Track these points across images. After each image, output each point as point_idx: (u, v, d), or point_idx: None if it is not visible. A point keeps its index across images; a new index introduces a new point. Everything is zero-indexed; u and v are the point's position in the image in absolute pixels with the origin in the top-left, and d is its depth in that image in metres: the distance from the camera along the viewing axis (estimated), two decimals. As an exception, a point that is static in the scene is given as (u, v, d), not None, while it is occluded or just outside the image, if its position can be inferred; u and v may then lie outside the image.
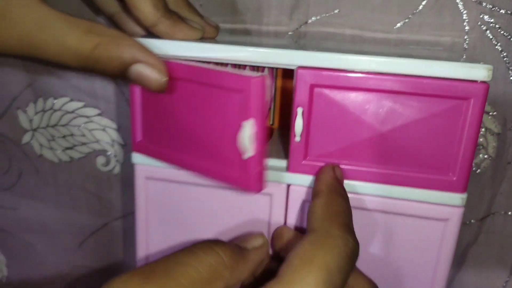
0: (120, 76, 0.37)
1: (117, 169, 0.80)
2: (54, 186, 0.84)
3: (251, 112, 0.38)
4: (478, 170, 0.66)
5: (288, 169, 0.46)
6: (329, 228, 0.30)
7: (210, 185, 0.49)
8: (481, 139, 0.64)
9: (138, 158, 0.53)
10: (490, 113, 0.63)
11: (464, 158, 0.42)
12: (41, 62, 0.72)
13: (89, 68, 0.35)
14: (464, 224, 0.70)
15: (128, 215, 0.82)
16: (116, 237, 0.85)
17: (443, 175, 0.43)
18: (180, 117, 0.45)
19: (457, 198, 0.43)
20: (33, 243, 0.90)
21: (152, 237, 0.55)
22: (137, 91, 0.49)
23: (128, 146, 0.77)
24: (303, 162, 0.45)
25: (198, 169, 0.45)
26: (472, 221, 0.70)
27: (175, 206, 0.52)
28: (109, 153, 0.79)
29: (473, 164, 0.65)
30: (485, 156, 0.65)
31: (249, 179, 0.40)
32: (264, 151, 0.40)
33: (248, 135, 0.39)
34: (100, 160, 0.80)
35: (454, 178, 0.43)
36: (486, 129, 0.64)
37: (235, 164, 0.41)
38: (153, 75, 0.37)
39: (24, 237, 0.90)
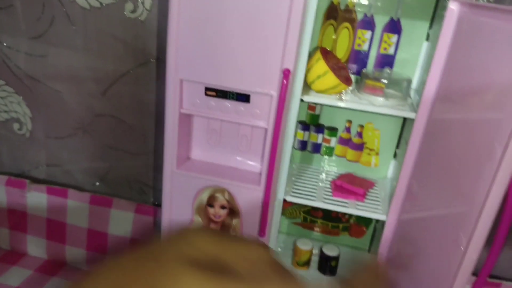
0: None
1: (144, 16, 0.87)
2: (83, 33, 0.90)
3: None
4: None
5: None
6: None
7: None
8: None
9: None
10: None
11: None
12: None
13: None
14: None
15: (152, 61, 0.89)
16: (140, 85, 0.92)
17: None
18: None
19: None
20: (59, 90, 0.97)
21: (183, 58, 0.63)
22: None
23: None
24: None
25: None
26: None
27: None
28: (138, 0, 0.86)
29: None
30: None
31: None
32: None
33: None
34: (129, 6, 0.87)
35: None
36: None
37: None
38: None
39: (51, 84, 0.97)
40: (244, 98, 0.64)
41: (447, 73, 0.56)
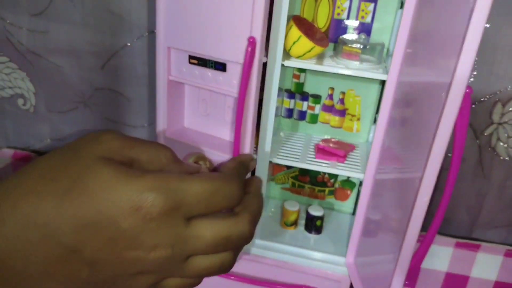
0: None
1: (139, -9, 0.91)
2: (81, 9, 0.95)
3: None
4: None
5: None
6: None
7: None
8: None
9: None
10: None
11: None
12: None
13: None
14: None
15: (146, 34, 0.94)
16: (136, 58, 0.97)
17: None
18: None
19: None
20: (60, 65, 1.02)
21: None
22: None
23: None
24: None
25: None
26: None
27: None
28: (132, -25, 0.90)
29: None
30: None
31: None
32: None
33: None
34: (124, -18, 0.91)
35: None
36: None
37: None
38: None
39: (53, 59, 1.01)
40: (221, 67, 0.67)
41: (411, 37, 0.61)
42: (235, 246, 0.36)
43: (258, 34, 0.60)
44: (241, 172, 0.43)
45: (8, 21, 1.00)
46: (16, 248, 0.29)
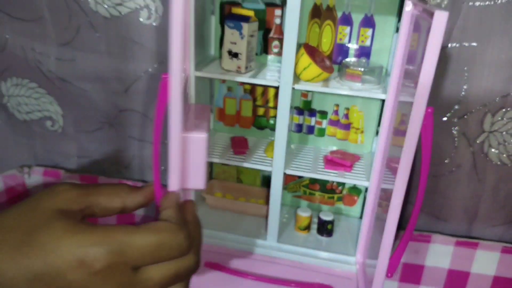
0: None
1: (157, 21, 1.00)
2: (106, 39, 1.04)
3: None
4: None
5: None
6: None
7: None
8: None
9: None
10: None
11: None
12: None
13: None
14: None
15: (164, 61, 1.02)
16: (156, 82, 1.06)
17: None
18: None
19: None
20: (86, 89, 1.11)
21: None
22: None
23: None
24: None
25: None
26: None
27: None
28: (151, 8, 0.99)
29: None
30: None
31: None
32: None
33: None
34: (143, 14, 1.00)
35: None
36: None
37: None
38: None
39: (79, 84, 1.11)
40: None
41: (405, 59, 0.69)
42: (185, 277, 0.37)
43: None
44: (184, 219, 0.41)
45: (37, 51, 1.10)
46: None
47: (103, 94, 1.11)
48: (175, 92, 0.62)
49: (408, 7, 0.66)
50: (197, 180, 0.70)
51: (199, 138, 0.67)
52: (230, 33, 0.79)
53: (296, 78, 0.79)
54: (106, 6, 1.00)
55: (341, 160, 0.88)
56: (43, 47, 1.08)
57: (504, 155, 0.93)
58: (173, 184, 0.70)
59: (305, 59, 0.75)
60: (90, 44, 1.06)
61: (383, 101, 0.88)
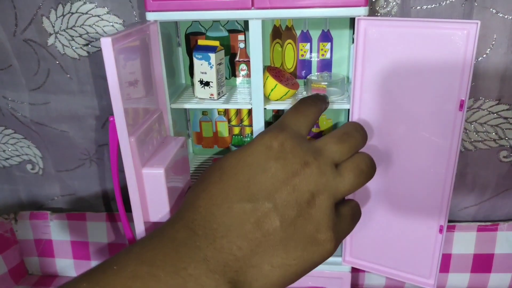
0: None
1: (125, 56, 1.04)
2: (77, 79, 1.07)
3: None
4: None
5: None
6: None
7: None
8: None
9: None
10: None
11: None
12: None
13: None
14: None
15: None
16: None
17: None
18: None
19: None
20: (64, 130, 1.14)
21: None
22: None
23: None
24: None
25: None
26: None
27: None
28: (118, 44, 1.03)
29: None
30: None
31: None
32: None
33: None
34: (111, 51, 1.04)
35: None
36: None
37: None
38: None
39: (56, 126, 1.13)
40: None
41: (363, 69, 0.75)
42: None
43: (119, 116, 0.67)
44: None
45: (10, 99, 1.11)
46: None
47: (80, 132, 1.14)
48: (122, 133, 0.67)
49: (358, 23, 0.72)
50: (162, 213, 0.75)
51: (156, 174, 0.72)
52: (199, 64, 0.83)
53: (266, 99, 0.84)
54: (73, 48, 1.03)
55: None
56: (15, 94, 1.10)
57: (467, 142, 1.00)
58: (137, 218, 0.76)
59: (271, 81, 0.80)
60: (62, 86, 1.08)
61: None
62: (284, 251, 0.35)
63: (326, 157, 0.41)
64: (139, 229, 0.75)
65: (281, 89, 0.81)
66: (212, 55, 0.82)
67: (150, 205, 0.74)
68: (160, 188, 0.71)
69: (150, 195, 0.73)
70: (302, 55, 0.92)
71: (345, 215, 0.42)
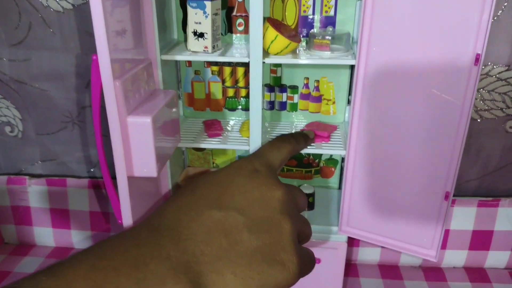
0: None
1: (114, 10, 0.97)
2: (60, 34, 1.00)
3: None
4: None
5: None
6: None
7: None
8: None
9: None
10: None
11: None
12: None
13: None
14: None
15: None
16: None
17: None
18: None
19: None
20: (45, 89, 1.06)
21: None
22: None
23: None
24: None
25: None
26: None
27: None
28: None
29: None
30: None
31: None
32: None
33: None
34: (99, 4, 0.97)
35: None
36: None
37: None
38: None
39: (37, 85, 1.06)
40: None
41: (370, 25, 0.70)
42: None
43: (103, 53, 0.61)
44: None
45: (-13, 54, 1.04)
46: None
47: (63, 92, 1.07)
48: (106, 73, 0.60)
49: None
50: (148, 167, 0.68)
51: (142, 123, 0.65)
52: (194, 13, 0.77)
53: (265, 52, 0.78)
54: (57, 0, 0.96)
55: (318, 132, 0.88)
56: (-7, 49, 1.03)
57: (472, 111, 0.95)
58: (120, 172, 0.69)
59: (271, 32, 0.74)
60: (44, 41, 1.01)
61: (351, 69, 0.89)
62: (249, 262, 0.35)
63: (294, 197, 0.44)
64: (122, 185, 0.69)
65: (281, 41, 0.75)
66: (208, 3, 0.76)
67: (134, 158, 0.67)
68: (146, 139, 0.65)
69: (135, 146, 0.67)
70: (304, 11, 0.86)
71: (307, 253, 0.43)
